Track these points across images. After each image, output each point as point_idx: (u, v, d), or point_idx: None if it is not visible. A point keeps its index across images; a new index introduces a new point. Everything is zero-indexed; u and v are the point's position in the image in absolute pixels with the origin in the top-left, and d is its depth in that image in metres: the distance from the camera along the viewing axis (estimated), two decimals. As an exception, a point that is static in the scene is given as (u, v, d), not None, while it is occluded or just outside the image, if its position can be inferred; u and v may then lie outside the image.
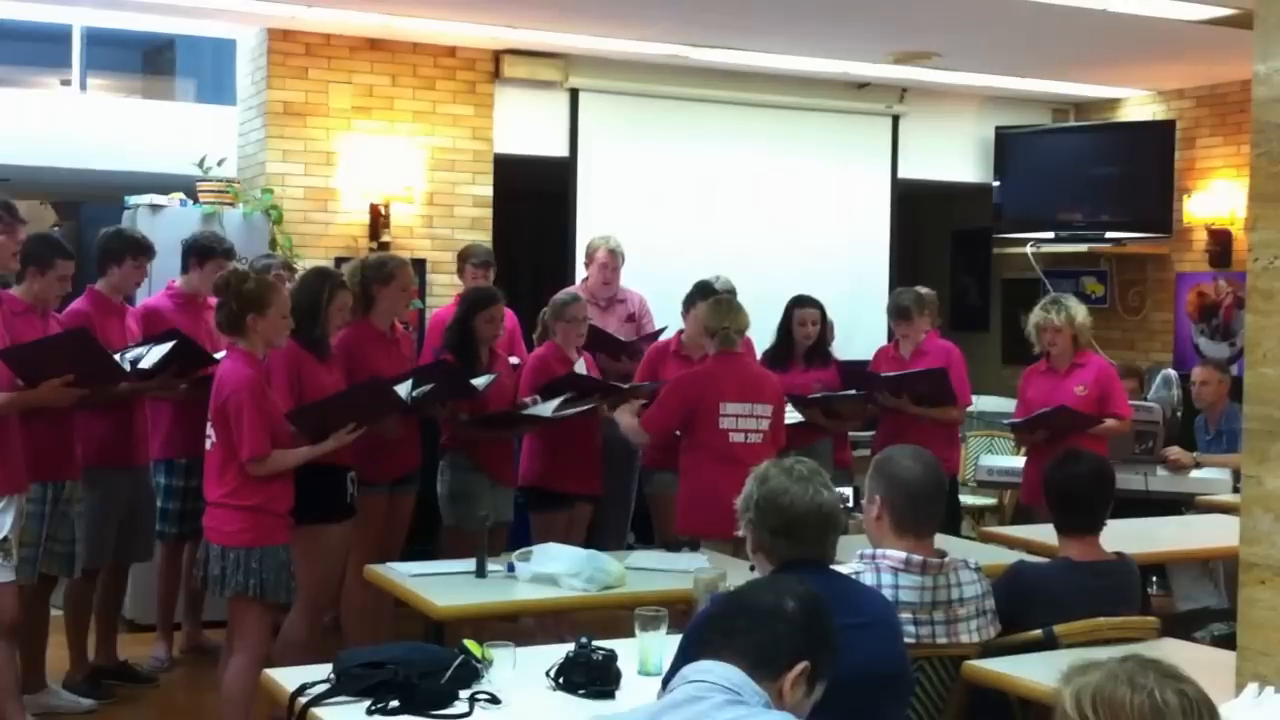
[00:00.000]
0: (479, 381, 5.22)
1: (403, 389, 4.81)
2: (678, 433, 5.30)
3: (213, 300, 5.53)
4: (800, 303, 6.29)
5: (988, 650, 3.29)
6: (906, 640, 3.00)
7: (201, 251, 5.57)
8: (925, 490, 3.21)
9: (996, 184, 8.83)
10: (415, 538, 5.49)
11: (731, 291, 6.62)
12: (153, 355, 4.93)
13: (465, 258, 6.64)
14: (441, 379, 5.10)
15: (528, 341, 6.43)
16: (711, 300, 5.43)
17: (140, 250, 5.28)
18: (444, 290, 7.22)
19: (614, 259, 6.59)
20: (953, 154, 8.91)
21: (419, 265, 7.06)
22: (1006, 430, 7.44)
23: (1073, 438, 5.56)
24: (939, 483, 3.25)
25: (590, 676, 3.05)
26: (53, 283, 4.80)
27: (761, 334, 6.53)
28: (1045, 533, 4.12)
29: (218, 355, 5.08)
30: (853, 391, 6.15)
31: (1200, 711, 1.77)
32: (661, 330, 6.41)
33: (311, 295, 4.72)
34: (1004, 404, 7.79)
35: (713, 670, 2.11)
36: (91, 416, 5.05)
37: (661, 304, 6.58)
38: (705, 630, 2.26)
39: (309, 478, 4.41)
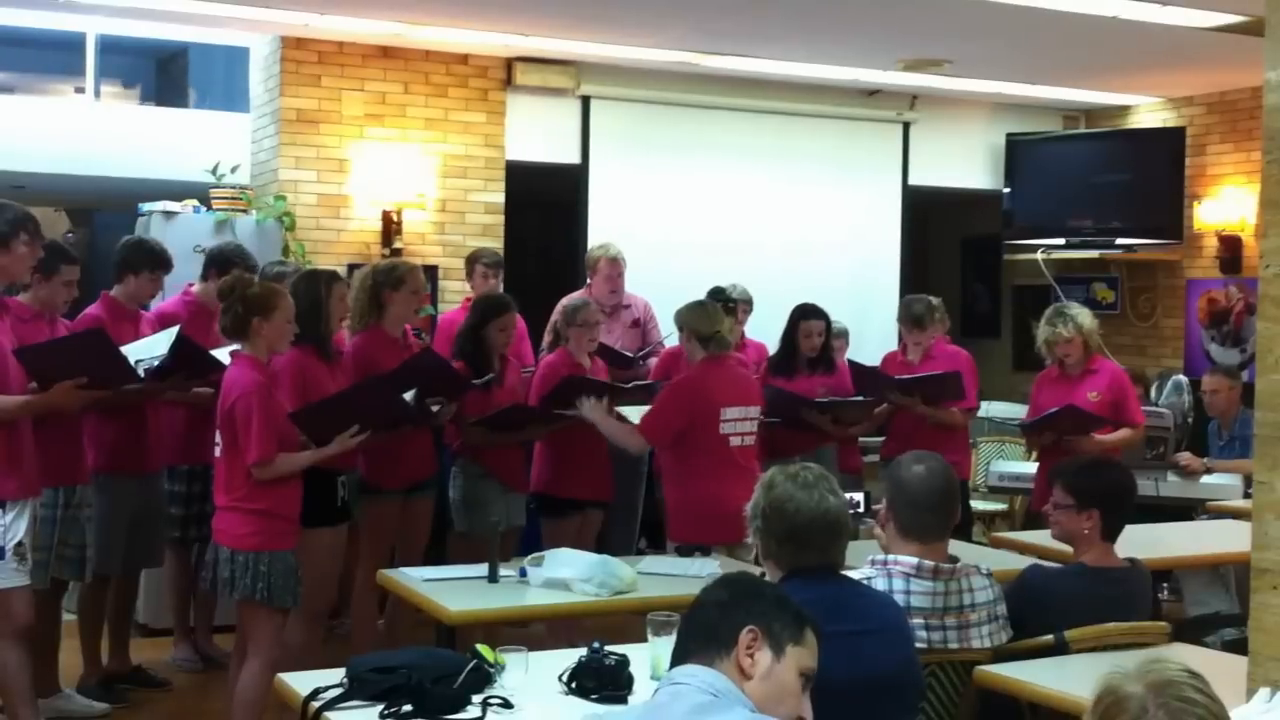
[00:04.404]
0: (477, 381, 5.25)
1: (408, 394, 4.83)
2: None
3: None
4: (805, 314, 6.28)
5: (999, 655, 3.29)
6: (918, 645, 3.00)
7: (223, 264, 5.57)
8: (929, 496, 3.20)
9: (1007, 191, 8.83)
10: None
11: (747, 299, 6.65)
12: (153, 346, 4.94)
13: (475, 260, 6.66)
14: (428, 373, 5.11)
15: (536, 350, 6.44)
16: (694, 305, 5.36)
17: (159, 264, 5.33)
18: (456, 297, 7.25)
19: (616, 267, 6.60)
20: (963, 161, 8.92)
21: (431, 271, 7.09)
22: (1017, 436, 7.44)
23: (1081, 440, 5.59)
24: (947, 488, 3.24)
25: (602, 681, 3.05)
26: (58, 288, 4.84)
27: (772, 341, 6.55)
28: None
29: (216, 352, 5.09)
30: (859, 398, 6.16)
31: None
32: (667, 336, 6.40)
33: (310, 295, 4.74)
34: (1015, 410, 7.79)
35: (696, 674, 2.14)
36: (103, 422, 5.08)
37: (671, 311, 6.58)
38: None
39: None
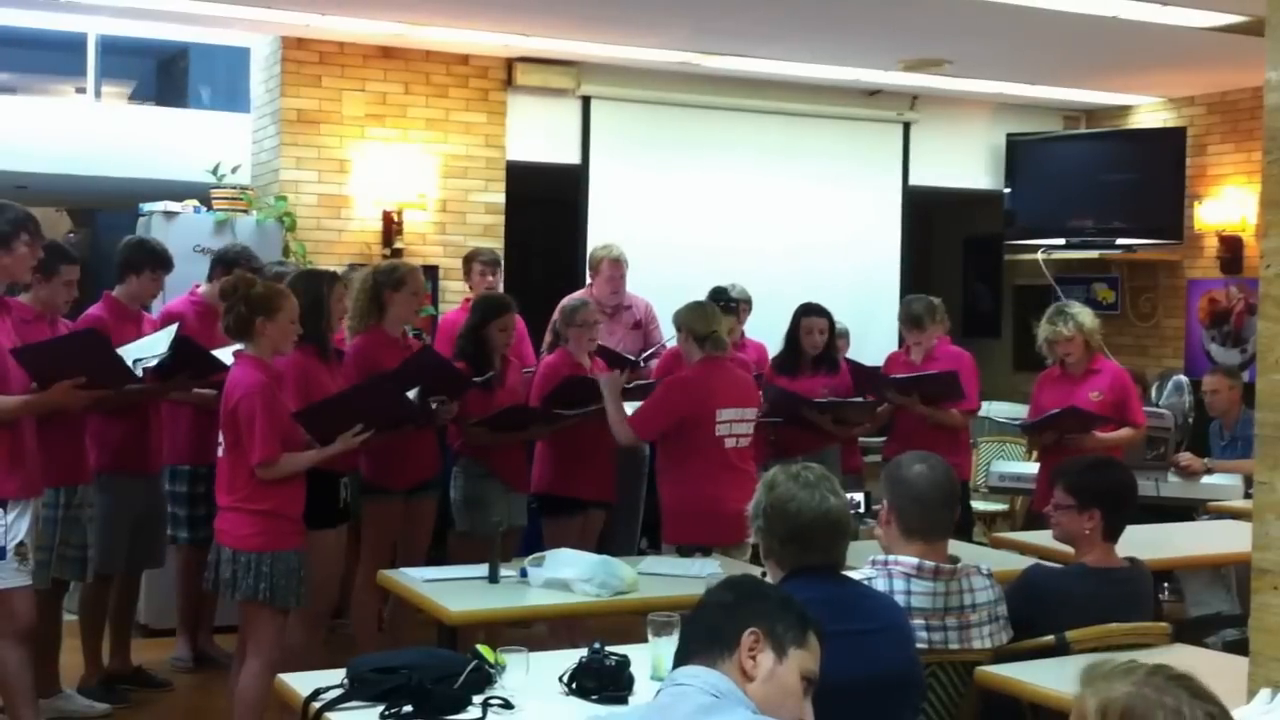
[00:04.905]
0: (478, 379, 5.26)
1: (411, 393, 4.83)
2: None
3: None
4: (807, 312, 6.30)
5: (1000, 656, 3.29)
6: (919, 646, 3.00)
7: (229, 265, 5.58)
8: (933, 495, 3.21)
9: (1008, 191, 8.83)
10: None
11: (747, 299, 6.65)
12: (153, 345, 4.94)
13: (472, 259, 6.66)
14: (429, 371, 5.11)
15: (537, 350, 6.44)
16: (693, 305, 5.36)
17: (159, 263, 5.34)
18: (456, 297, 7.25)
19: (618, 268, 6.60)
20: (964, 161, 8.92)
21: (431, 272, 7.10)
22: (1018, 436, 7.44)
23: (1082, 438, 5.59)
24: (949, 488, 3.25)
25: (603, 682, 3.06)
26: (59, 288, 4.85)
27: (773, 341, 6.56)
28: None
29: (218, 352, 5.09)
30: (860, 399, 6.17)
31: None
32: (669, 339, 6.40)
33: (311, 294, 4.74)
34: (1015, 410, 7.78)
35: (698, 675, 2.15)
36: (107, 422, 5.09)
37: (672, 311, 6.58)
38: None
39: None
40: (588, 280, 6.87)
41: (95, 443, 5.06)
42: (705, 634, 2.22)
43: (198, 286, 5.74)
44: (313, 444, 4.44)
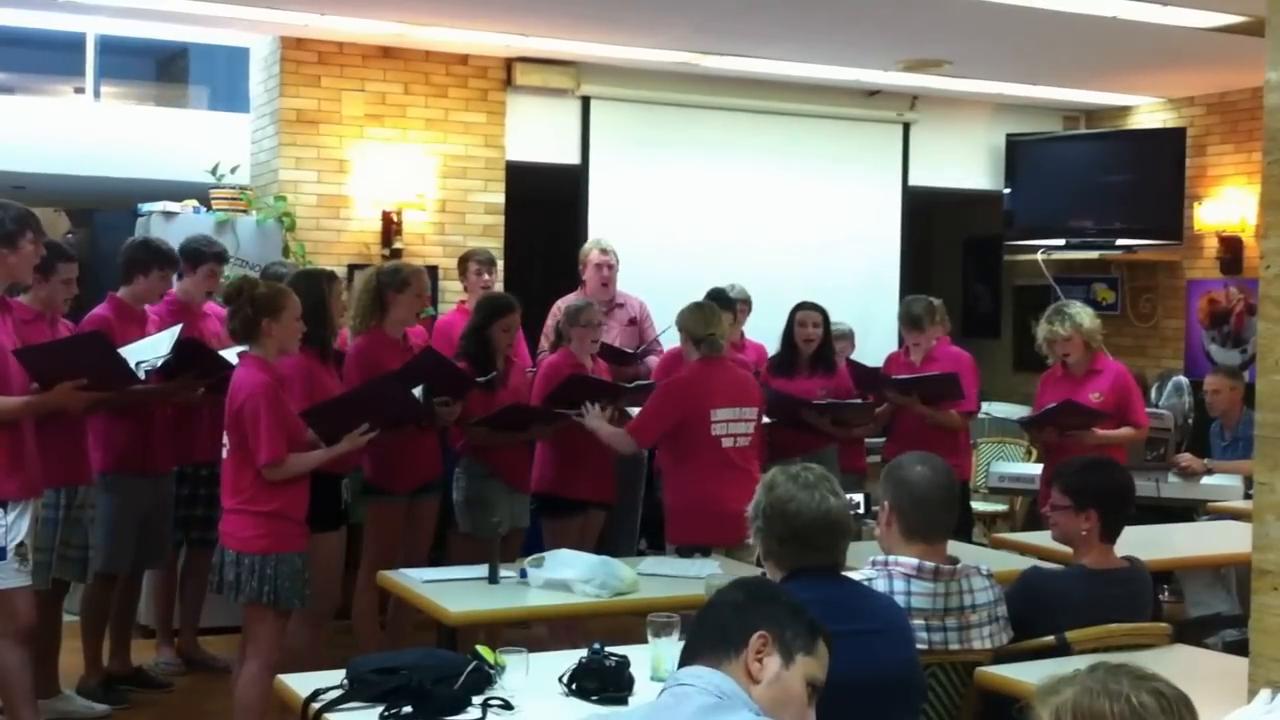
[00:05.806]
0: (480, 379, 5.26)
1: (416, 391, 4.84)
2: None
3: (208, 307, 5.59)
4: (801, 307, 6.32)
5: (1000, 656, 3.29)
6: (919, 647, 3.00)
7: (192, 256, 5.56)
8: (934, 496, 3.21)
9: (1007, 191, 8.83)
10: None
11: (746, 300, 6.65)
12: (155, 346, 4.93)
13: (467, 259, 6.64)
14: (431, 371, 5.11)
15: (533, 350, 6.43)
16: (691, 306, 5.38)
17: (166, 262, 5.34)
18: (456, 298, 7.24)
19: (605, 257, 6.59)
20: (964, 161, 8.91)
21: (431, 272, 7.07)
22: (1018, 436, 7.43)
23: (1083, 434, 5.59)
24: (949, 489, 3.25)
25: (603, 682, 3.06)
26: (57, 287, 4.85)
27: (772, 342, 6.56)
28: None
29: (223, 352, 5.09)
30: (859, 400, 6.16)
31: (1178, 709, 1.78)
32: (663, 331, 6.40)
33: (313, 294, 4.74)
34: (1015, 410, 7.79)
35: (702, 675, 2.14)
36: (111, 422, 5.09)
37: (672, 312, 6.58)
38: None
39: None
40: (582, 279, 6.86)
41: (100, 443, 5.07)
42: (713, 632, 2.20)
43: (170, 289, 5.71)
44: (317, 444, 4.43)
